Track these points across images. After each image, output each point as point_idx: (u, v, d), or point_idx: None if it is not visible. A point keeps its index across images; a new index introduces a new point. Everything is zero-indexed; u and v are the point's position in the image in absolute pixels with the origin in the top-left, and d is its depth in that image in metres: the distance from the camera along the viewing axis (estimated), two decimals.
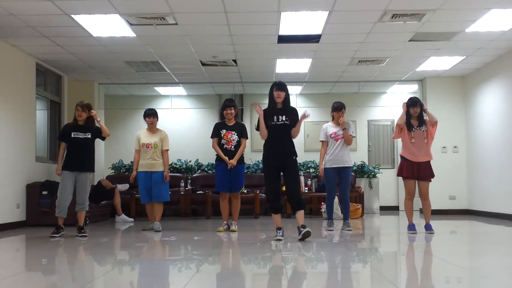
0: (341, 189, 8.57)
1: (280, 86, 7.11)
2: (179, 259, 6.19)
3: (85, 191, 8.01)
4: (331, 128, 8.54)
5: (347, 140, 8.42)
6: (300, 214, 7.11)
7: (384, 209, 13.66)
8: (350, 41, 9.63)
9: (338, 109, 8.46)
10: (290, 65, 11.33)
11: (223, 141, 8.34)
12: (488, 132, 11.45)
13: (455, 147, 12.63)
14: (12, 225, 9.26)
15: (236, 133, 8.36)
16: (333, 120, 8.60)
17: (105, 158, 13.48)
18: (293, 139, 7.15)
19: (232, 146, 8.32)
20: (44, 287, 4.50)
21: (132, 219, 11.04)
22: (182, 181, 12.08)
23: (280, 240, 7.11)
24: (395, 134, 8.16)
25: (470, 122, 12.38)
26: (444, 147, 12.59)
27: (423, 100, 12.84)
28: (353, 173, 12.93)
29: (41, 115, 11.04)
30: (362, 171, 13.35)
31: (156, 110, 9.11)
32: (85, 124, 8.00)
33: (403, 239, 7.73)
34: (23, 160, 9.81)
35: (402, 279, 4.78)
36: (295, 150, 7.15)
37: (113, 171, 13.49)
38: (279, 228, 7.22)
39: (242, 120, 14.25)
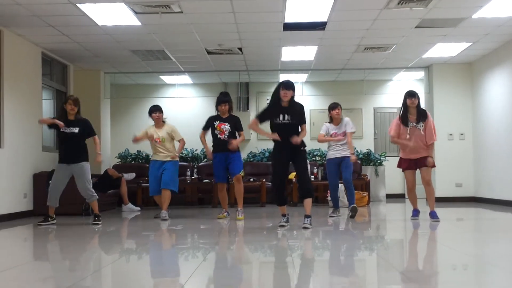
0: (344, 177, 8.71)
1: (287, 85, 7.10)
2: (186, 248, 6.22)
3: (84, 182, 8.15)
4: (332, 128, 8.75)
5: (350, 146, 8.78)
6: (307, 202, 7.19)
7: (390, 197, 13.65)
8: (356, 28, 9.58)
9: (333, 108, 8.76)
10: (295, 52, 11.29)
11: (216, 132, 8.65)
12: (495, 119, 11.39)
13: (462, 134, 12.58)
14: (20, 214, 9.30)
15: (229, 124, 8.64)
16: (331, 121, 8.81)
17: (111, 147, 13.50)
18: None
19: (225, 136, 8.60)
20: (52, 276, 4.53)
21: (138, 208, 11.08)
22: (188, 170, 12.10)
23: (283, 226, 7.20)
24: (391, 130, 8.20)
25: (476, 109, 12.32)
26: (450, 134, 12.56)
27: (429, 86, 12.80)
28: (359, 161, 12.92)
29: (47, 105, 11.05)
30: (368, 159, 13.32)
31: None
32: (74, 118, 8.16)
33: (409, 226, 7.73)
34: (30, 149, 9.84)
35: (408, 267, 4.79)
36: (303, 143, 7.20)
37: (119, 160, 13.52)
38: (284, 215, 7.32)
39: (248, 109, 14.29)
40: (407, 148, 7.91)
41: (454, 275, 4.35)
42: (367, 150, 13.56)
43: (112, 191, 10.98)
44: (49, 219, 8.17)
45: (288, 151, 7.11)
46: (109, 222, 8.87)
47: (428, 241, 6.44)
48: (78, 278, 4.31)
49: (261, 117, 7.27)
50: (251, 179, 12.04)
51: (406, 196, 8.49)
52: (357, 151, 13.39)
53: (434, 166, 8.02)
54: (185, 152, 13.42)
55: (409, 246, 6.25)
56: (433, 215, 7.92)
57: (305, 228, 7.03)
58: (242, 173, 8.81)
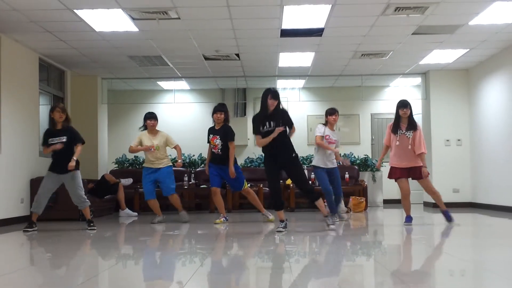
0: (335, 187, 8.83)
1: (274, 94, 7.26)
2: (183, 253, 6.21)
3: (77, 189, 8.10)
4: (328, 131, 8.71)
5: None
6: (319, 204, 7.37)
7: (388, 203, 13.65)
8: (353, 35, 9.61)
9: (331, 113, 8.75)
10: (293, 59, 11.31)
11: (211, 146, 8.81)
12: (492, 125, 11.42)
13: (459, 140, 12.60)
14: (16, 219, 9.28)
15: (219, 137, 8.73)
16: (326, 124, 8.79)
17: (108, 152, 13.49)
18: (290, 138, 7.39)
19: (219, 150, 8.74)
20: (49, 282, 4.52)
21: (136, 213, 11.07)
22: (186, 175, 12.10)
23: (280, 231, 7.22)
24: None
25: (473, 115, 12.35)
26: (447, 140, 12.58)
27: (426, 93, 12.83)
28: (356, 167, 12.94)
29: (44, 110, 11.03)
30: (365, 164, 13.33)
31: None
32: (62, 127, 8.13)
33: (406, 232, 7.73)
34: (27, 155, 9.83)
35: (406, 272, 4.78)
36: (293, 149, 7.34)
37: (116, 165, 13.52)
38: (281, 221, 7.35)
39: (245, 114, 14.31)
40: (396, 151, 8.04)
41: (451, 281, 4.35)
42: (364, 156, 13.57)
43: (109, 196, 10.98)
44: (34, 225, 8.05)
45: (277, 158, 7.25)
46: (106, 227, 8.86)
47: (425, 247, 6.44)
48: (75, 284, 4.30)
49: (258, 130, 7.32)
50: (249, 185, 12.00)
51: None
52: (354, 157, 13.43)
53: (427, 174, 8.12)
54: (183, 157, 13.42)
55: (406, 252, 6.25)
56: (448, 216, 8.17)
57: (330, 228, 7.37)
58: (245, 185, 9.04)
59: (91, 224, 8.16)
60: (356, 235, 7.77)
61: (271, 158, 7.29)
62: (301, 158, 12.37)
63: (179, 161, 9.16)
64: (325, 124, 8.78)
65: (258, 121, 7.31)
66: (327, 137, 8.66)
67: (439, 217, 9.79)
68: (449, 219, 8.12)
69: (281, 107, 7.37)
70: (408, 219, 8.19)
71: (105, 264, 5.46)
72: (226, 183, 9.38)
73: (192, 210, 12.46)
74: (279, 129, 7.11)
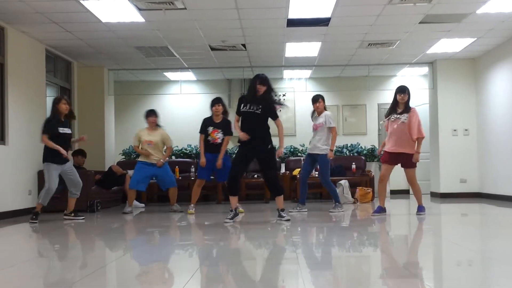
0: (321, 181, 9.07)
1: (262, 80, 7.40)
2: (190, 244, 6.23)
3: (78, 177, 8.41)
4: (313, 119, 9.12)
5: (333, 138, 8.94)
6: (280, 199, 7.45)
7: (395, 193, 13.64)
8: (360, 24, 9.57)
9: (314, 101, 9.05)
10: (299, 49, 11.27)
11: (209, 138, 8.97)
12: (499, 114, 11.36)
13: (466, 130, 12.54)
14: (25, 211, 9.30)
15: (221, 131, 8.98)
16: (313, 112, 9.14)
17: (115, 144, 13.51)
18: (268, 129, 7.41)
19: (217, 144, 8.94)
20: (57, 273, 4.54)
21: (143, 205, 11.09)
22: (192, 166, 12.11)
23: (227, 222, 7.39)
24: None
25: (481, 104, 12.29)
26: (454, 130, 12.53)
27: (433, 82, 12.78)
28: (363, 157, 12.93)
29: (51, 102, 11.03)
30: (372, 155, 13.31)
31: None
32: (64, 118, 8.33)
33: (413, 222, 7.73)
34: (34, 147, 9.84)
35: (413, 262, 4.78)
36: (270, 140, 7.36)
37: (123, 157, 13.54)
38: (231, 210, 7.53)
39: None
40: (391, 136, 8.07)
41: (458, 270, 4.35)
42: (371, 146, 13.54)
43: (116, 187, 11.00)
44: (37, 215, 8.18)
45: (254, 147, 7.26)
46: (113, 218, 8.89)
47: (433, 237, 6.43)
48: (83, 275, 4.32)
49: (238, 110, 7.48)
50: (255, 176, 12.03)
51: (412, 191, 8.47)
52: (361, 147, 13.40)
53: (417, 161, 8.07)
54: (189, 149, 13.44)
55: (413, 242, 6.25)
56: (419, 209, 8.13)
57: (280, 220, 7.36)
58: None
59: (73, 214, 8.44)
60: (363, 225, 7.77)
61: (248, 146, 7.26)
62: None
63: (161, 160, 9.47)
64: (313, 112, 9.12)
65: (240, 101, 7.46)
66: (313, 125, 8.99)
67: (447, 207, 9.81)
68: (421, 211, 8.13)
69: (273, 95, 7.48)
70: (379, 209, 8.19)
71: (112, 256, 5.49)
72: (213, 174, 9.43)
73: (199, 201, 12.44)
74: (245, 136, 7.21)
